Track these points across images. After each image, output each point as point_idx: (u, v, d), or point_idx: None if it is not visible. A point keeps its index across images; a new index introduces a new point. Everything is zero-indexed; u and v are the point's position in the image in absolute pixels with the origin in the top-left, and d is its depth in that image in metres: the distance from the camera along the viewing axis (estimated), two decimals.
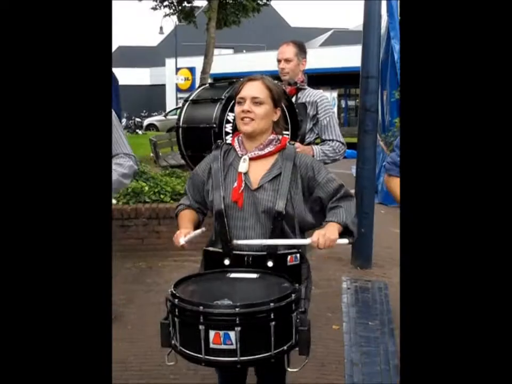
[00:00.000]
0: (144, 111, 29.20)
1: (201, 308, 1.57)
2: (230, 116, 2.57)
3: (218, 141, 2.15)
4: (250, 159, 1.97)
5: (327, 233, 1.82)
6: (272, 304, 1.58)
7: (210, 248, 2.00)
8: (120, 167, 2.26)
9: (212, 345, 1.57)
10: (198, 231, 1.98)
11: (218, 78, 3.07)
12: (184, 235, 1.89)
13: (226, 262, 1.93)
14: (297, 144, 2.80)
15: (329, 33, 34.81)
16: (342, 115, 28.01)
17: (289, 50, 3.03)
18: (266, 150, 1.98)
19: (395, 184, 2.13)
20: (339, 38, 30.42)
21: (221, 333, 1.55)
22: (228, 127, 2.59)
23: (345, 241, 1.87)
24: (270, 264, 1.89)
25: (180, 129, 2.89)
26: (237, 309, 1.55)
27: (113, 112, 2.07)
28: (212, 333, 1.56)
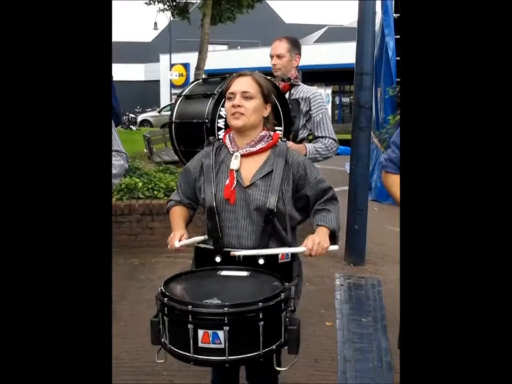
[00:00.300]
0: (138, 107, 29.07)
1: (190, 307, 1.56)
2: (223, 111, 2.55)
3: (211, 137, 2.14)
4: (242, 155, 1.96)
5: (321, 241, 1.83)
6: (260, 304, 1.57)
7: (202, 245, 1.99)
8: None
9: (200, 344, 1.56)
10: (197, 238, 1.96)
11: (212, 74, 3.06)
12: (178, 238, 1.88)
13: (218, 259, 1.93)
14: (290, 143, 2.79)
15: (323, 29, 34.77)
16: (336, 112, 28.02)
17: (281, 46, 3.02)
18: (258, 147, 1.97)
19: (392, 181, 2.12)
20: (333, 34, 30.40)
21: (210, 332, 1.55)
22: (221, 122, 2.58)
23: (335, 247, 1.91)
24: (261, 261, 1.88)
25: (173, 125, 2.87)
26: (226, 309, 1.54)
27: None
28: (200, 332, 1.55)
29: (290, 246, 1.95)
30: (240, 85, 1.94)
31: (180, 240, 1.88)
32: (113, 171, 2.22)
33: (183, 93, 2.95)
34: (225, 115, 2.29)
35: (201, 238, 1.98)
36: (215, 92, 2.62)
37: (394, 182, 2.08)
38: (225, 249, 1.92)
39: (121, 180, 2.50)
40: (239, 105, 1.91)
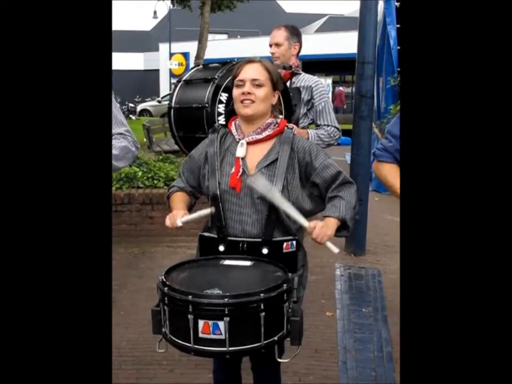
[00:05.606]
0: (137, 96, 29.00)
1: (190, 297, 1.54)
2: (223, 96, 2.52)
3: (215, 124, 2.11)
4: (248, 143, 1.93)
5: (325, 227, 1.79)
6: (262, 294, 1.56)
7: (206, 234, 1.97)
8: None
9: (201, 335, 1.54)
10: (201, 212, 1.91)
11: (212, 64, 3.03)
12: (181, 216, 1.84)
13: (221, 248, 1.90)
14: (294, 127, 2.77)
15: (324, 19, 34.59)
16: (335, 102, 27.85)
17: (279, 35, 3.01)
18: (264, 134, 1.93)
19: (387, 170, 2.02)
20: (334, 24, 30.24)
21: (210, 322, 1.53)
22: (221, 108, 2.54)
23: (335, 250, 1.82)
24: (265, 251, 1.86)
25: (172, 110, 2.83)
26: (226, 299, 1.53)
27: None
28: (201, 323, 1.54)
29: (294, 236, 1.91)
30: (250, 72, 1.90)
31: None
32: (114, 152, 2.09)
33: (183, 78, 2.91)
34: (226, 100, 2.25)
35: (205, 211, 1.90)
36: (216, 77, 2.58)
37: (390, 171, 1.99)
38: (229, 238, 1.90)
39: (127, 164, 2.34)
40: (249, 93, 1.88)
